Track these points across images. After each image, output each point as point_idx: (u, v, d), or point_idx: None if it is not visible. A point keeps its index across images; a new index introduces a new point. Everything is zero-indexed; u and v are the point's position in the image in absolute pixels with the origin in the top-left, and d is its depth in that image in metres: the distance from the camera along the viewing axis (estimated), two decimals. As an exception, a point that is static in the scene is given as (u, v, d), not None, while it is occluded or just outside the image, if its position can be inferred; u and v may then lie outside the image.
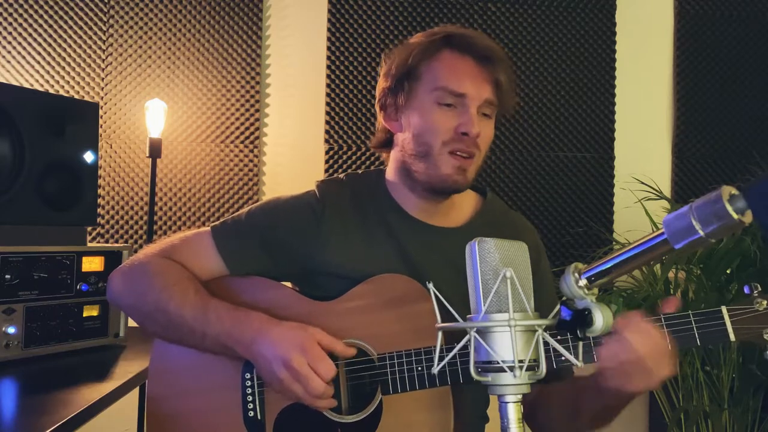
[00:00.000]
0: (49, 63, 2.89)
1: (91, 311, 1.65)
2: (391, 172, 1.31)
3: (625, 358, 0.97)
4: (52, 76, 2.89)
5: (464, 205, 1.31)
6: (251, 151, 2.97)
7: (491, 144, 1.27)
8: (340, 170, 2.99)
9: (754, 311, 1.02)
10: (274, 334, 1.10)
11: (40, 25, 2.89)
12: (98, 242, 2.84)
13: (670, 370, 1.01)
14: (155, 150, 2.70)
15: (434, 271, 1.19)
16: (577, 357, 0.79)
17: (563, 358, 0.85)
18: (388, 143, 1.31)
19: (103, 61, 2.92)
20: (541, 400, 1.20)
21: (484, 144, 1.22)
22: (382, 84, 1.28)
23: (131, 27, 2.94)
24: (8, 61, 2.86)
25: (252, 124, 2.98)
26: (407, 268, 1.21)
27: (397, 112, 1.25)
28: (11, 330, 1.48)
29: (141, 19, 2.94)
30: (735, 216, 0.60)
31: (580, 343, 0.85)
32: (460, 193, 1.28)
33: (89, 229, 2.66)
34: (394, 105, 1.25)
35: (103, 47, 2.92)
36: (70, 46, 2.90)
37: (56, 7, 2.90)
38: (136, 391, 1.60)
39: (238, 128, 2.97)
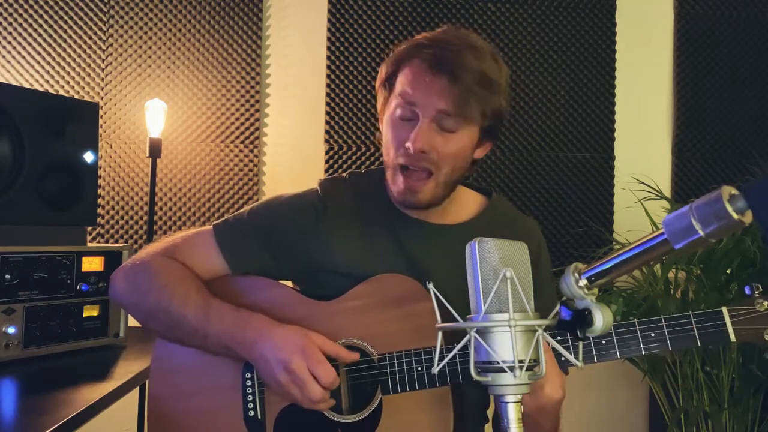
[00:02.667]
0: (49, 63, 2.89)
1: (91, 311, 1.65)
2: None
3: None
4: (52, 76, 2.89)
5: (466, 205, 1.31)
6: (251, 151, 2.97)
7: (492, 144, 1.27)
8: (340, 170, 2.99)
9: (755, 312, 1.02)
10: (276, 337, 1.10)
11: (40, 25, 2.89)
12: (98, 242, 2.84)
13: (557, 392, 1.02)
14: (155, 150, 2.70)
15: (434, 269, 1.19)
16: (577, 357, 0.79)
17: (563, 358, 0.85)
18: None
19: (103, 61, 2.92)
20: None
21: (445, 158, 1.15)
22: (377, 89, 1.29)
23: (131, 27, 2.94)
24: (8, 61, 2.86)
25: (252, 124, 2.98)
26: (408, 267, 1.21)
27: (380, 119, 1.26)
28: (11, 330, 1.48)
29: (141, 19, 2.94)
30: (735, 216, 0.60)
31: (580, 343, 0.85)
32: (460, 195, 1.27)
33: (89, 229, 2.66)
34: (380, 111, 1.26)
35: (103, 47, 2.92)
36: (70, 46, 2.90)
37: (56, 7, 2.90)
38: (136, 391, 1.60)
39: (238, 128, 2.97)
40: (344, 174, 1.34)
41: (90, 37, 2.92)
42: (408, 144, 1.13)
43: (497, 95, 1.16)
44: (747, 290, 1.04)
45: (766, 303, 1.02)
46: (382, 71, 1.23)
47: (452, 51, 1.13)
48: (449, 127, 1.14)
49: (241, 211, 1.30)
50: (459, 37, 1.17)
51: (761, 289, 1.03)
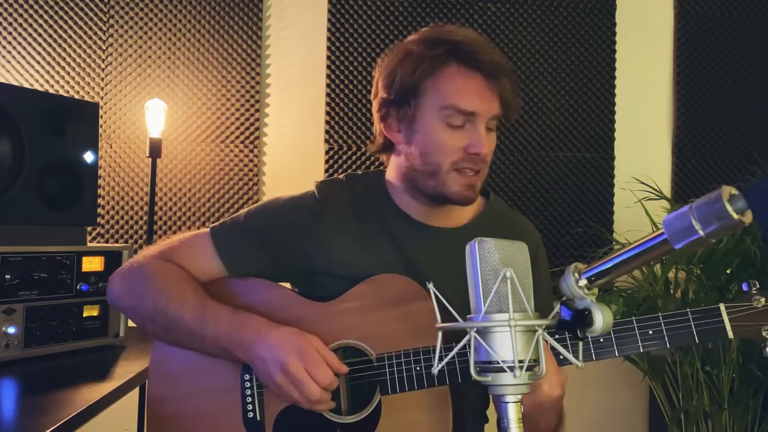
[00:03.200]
0: (49, 63, 2.89)
1: (91, 311, 1.65)
2: (392, 175, 1.30)
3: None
4: (52, 76, 2.89)
5: (465, 208, 1.31)
6: (251, 151, 2.97)
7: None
8: (340, 170, 2.99)
9: (752, 308, 1.02)
10: (273, 338, 1.10)
11: (40, 25, 2.89)
12: (98, 242, 2.83)
13: (555, 390, 1.02)
14: (155, 150, 2.70)
15: (433, 271, 1.18)
16: (577, 357, 0.79)
17: (561, 356, 0.85)
18: (388, 147, 1.30)
19: (103, 61, 2.92)
20: None
21: (489, 157, 1.21)
22: (381, 93, 1.23)
23: (131, 27, 2.94)
24: (8, 61, 2.86)
25: (252, 124, 2.98)
26: (406, 268, 1.21)
27: (399, 125, 1.22)
28: (11, 330, 1.48)
29: (141, 19, 2.94)
30: (735, 216, 0.60)
31: (580, 343, 0.85)
32: None
33: (89, 229, 2.66)
34: (397, 118, 1.22)
35: (103, 47, 2.92)
36: (70, 46, 2.90)
37: (56, 7, 2.90)
38: (136, 391, 1.60)
39: (238, 128, 2.97)
40: (341, 176, 1.34)
41: (90, 37, 2.92)
42: (476, 150, 1.16)
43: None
44: (744, 287, 1.04)
45: (763, 299, 1.02)
46: (401, 75, 1.18)
47: (492, 56, 1.18)
48: (492, 127, 1.22)
49: (237, 213, 1.30)
50: (473, 35, 1.21)
51: (758, 286, 1.03)
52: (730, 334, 1.02)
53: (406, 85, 1.18)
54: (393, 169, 1.30)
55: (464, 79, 1.16)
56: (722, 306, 1.03)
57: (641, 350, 1.07)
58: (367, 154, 2.99)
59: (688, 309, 1.04)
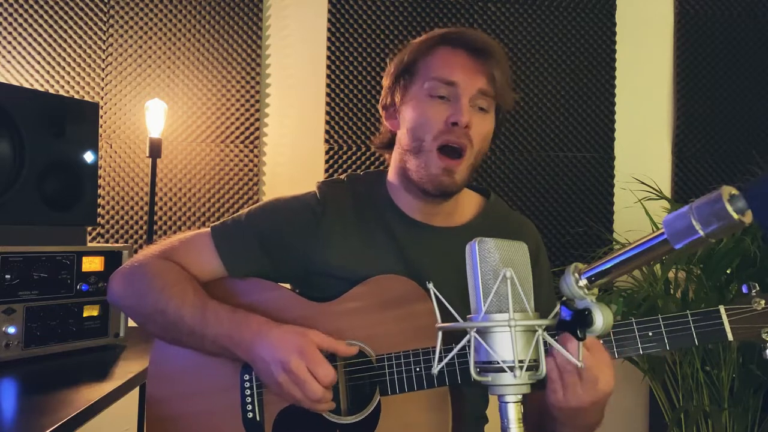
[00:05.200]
0: (49, 63, 2.89)
1: (91, 311, 1.65)
2: (391, 174, 1.30)
3: (568, 368, 0.96)
4: (52, 76, 2.89)
5: (465, 207, 1.31)
6: (251, 151, 2.97)
7: (492, 144, 1.27)
8: (340, 170, 2.99)
9: (752, 310, 1.02)
10: (273, 337, 1.10)
11: (40, 25, 2.89)
12: (98, 242, 2.83)
13: (609, 385, 1.00)
14: (155, 150, 2.70)
15: (433, 271, 1.19)
16: (577, 357, 0.79)
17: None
18: (390, 144, 1.31)
19: (103, 61, 2.92)
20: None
21: (478, 138, 1.19)
22: (384, 84, 1.30)
23: (131, 27, 2.94)
24: (8, 61, 2.86)
25: (252, 124, 2.98)
26: (406, 269, 1.21)
27: (395, 110, 1.26)
28: (11, 330, 1.48)
29: (141, 19, 2.94)
30: (735, 216, 0.60)
31: (580, 343, 0.85)
32: (461, 195, 1.27)
33: (89, 229, 2.66)
34: (393, 103, 1.26)
35: (103, 47, 2.92)
36: (70, 46, 2.90)
37: (56, 7, 2.90)
38: (136, 391, 1.59)
39: (238, 128, 2.97)
40: (342, 176, 1.35)
41: (90, 37, 2.92)
42: (455, 118, 1.15)
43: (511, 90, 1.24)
44: (744, 289, 1.04)
45: (763, 302, 1.02)
46: (397, 62, 1.26)
47: (480, 37, 1.21)
48: (484, 107, 1.20)
49: (239, 213, 1.30)
50: (474, 31, 1.25)
51: (758, 288, 1.03)
52: (730, 337, 1.02)
53: (403, 67, 1.24)
54: (392, 166, 1.30)
55: (450, 56, 1.21)
56: (722, 308, 1.03)
57: (641, 352, 1.06)
58: (366, 152, 2.99)
59: (688, 311, 1.04)
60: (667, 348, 1.05)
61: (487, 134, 1.22)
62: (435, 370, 0.77)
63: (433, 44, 1.23)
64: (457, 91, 1.17)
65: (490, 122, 1.22)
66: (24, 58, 2.87)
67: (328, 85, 3.02)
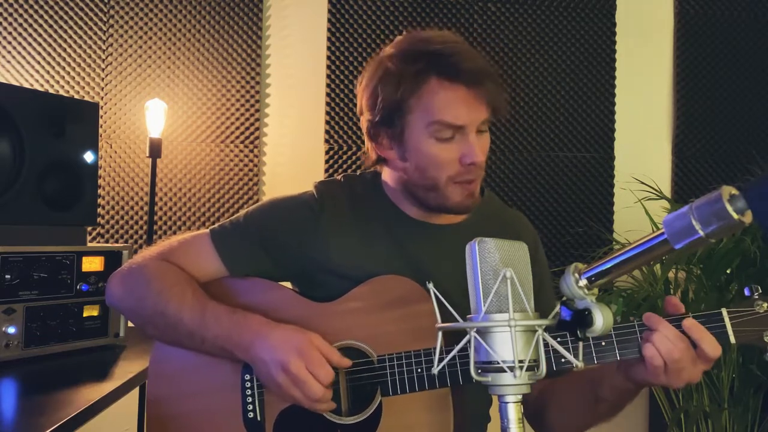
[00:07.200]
0: (49, 63, 2.89)
1: (91, 311, 1.65)
2: (389, 179, 1.30)
3: (679, 356, 0.98)
4: (52, 76, 2.89)
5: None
6: (251, 151, 2.97)
7: (491, 144, 1.27)
8: (340, 170, 2.99)
9: (755, 313, 1.02)
10: (273, 338, 1.10)
11: (40, 25, 2.89)
12: (98, 242, 2.83)
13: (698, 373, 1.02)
14: (155, 150, 2.70)
15: (434, 267, 1.19)
16: (577, 357, 0.79)
17: (563, 359, 0.85)
18: (382, 161, 1.29)
19: (103, 61, 2.92)
20: (552, 394, 1.20)
21: (484, 156, 1.19)
22: (366, 115, 1.23)
23: (131, 27, 2.94)
24: (8, 61, 2.86)
25: (252, 124, 2.98)
26: (406, 266, 1.21)
27: (391, 143, 1.22)
28: (11, 330, 1.48)
29: (141, 19, 2.94)
30: (735, 216, 0.60)
31: (580, 344, 0.85)
32: None
33: (89, 229, 2.66)
34: (387, 137, 1.21)
35: (103, 47, 2.92)
36: (70, 46, 2.90)
37: (56, 7, 2.90)
38: (136, 391, 1.60)
39: (238, 128, 2.97)
40: (339, 176, 1.35)
41: (90, 37, 2.92)
42: (470, 159, 1.15)
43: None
44: (746, 291, 1.03)
45: (765, 304, 1.01)
46: (385, 96, 1.17)
47: (474, 62, 1.15)
48: (484, 129, 1.19)
49: (237, 215, 1.30)
50: (450, 39, 1.18)
51: (760, 291, 1.03)
52: (732, 339, 1.01)
53: (391, 105, 1.17)
54: (390, 176, 1.29)
55: (447, 92, 1.14)
56: (724, 311, 1.02)
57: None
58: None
59: (689, 313, 1.04)
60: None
61: (488, 148, 1.21)
62: (435, 370, 0.77)
63: (424, 75, 1.14)
64: (464, 130, 1.15)
65: (488, 138, 1.22)
66: (24, 58, 2.87)
67: (328, 85, 3.02)
